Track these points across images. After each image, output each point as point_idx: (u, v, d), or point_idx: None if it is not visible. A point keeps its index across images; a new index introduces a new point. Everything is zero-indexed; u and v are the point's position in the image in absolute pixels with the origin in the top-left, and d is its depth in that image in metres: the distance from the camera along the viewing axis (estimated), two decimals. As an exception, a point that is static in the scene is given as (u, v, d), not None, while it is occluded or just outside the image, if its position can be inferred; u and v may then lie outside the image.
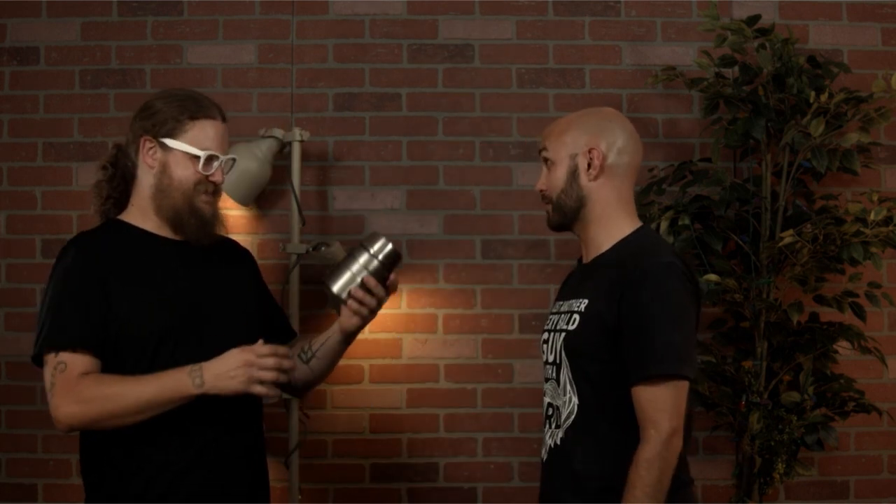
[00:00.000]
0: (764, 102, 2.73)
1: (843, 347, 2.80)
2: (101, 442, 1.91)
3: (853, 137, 2.71)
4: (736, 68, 2.82)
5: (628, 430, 1.85)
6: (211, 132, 1.99)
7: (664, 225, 2.70)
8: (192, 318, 1.96)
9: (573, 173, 1.98)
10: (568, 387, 1.92)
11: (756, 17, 2.80)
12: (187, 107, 1.98)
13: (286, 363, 1.88)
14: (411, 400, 2.98)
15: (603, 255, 1.98)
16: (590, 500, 1.88)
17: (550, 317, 2.06)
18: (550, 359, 1.99)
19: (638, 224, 2.02)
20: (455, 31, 3.07)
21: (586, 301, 1.93)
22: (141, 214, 2.01)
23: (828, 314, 2.82)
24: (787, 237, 2.59)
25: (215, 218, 2.03)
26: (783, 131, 2.72)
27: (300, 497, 2.81)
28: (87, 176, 2.98)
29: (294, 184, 2.84)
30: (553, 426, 1.96)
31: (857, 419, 2.84)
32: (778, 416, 2.67)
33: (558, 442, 1.94)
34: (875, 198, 2.61)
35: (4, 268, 2.99)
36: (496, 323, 2.98)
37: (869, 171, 2.95)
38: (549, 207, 2.03)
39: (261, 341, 1.89)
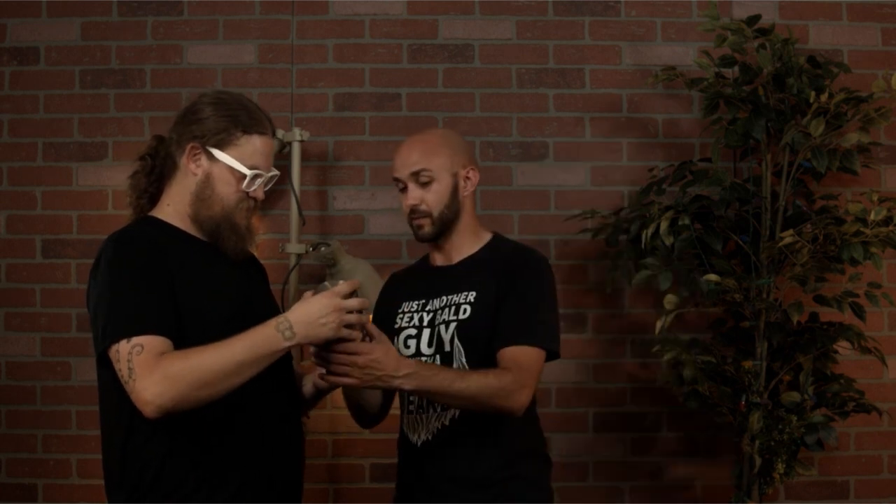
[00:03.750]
0: (764, 102, 2.73)
1: (843, 347, 2.80)
2: (161, 439, 1.84)
3: (853, 137, 2.71)
4: (736, 68, 2.82)
5: (514, 420, 2.02)
6: (260, 148, 1.95)
7: (664, 225, 2.70)
8: (247, 311, 1.94)
9: (454, 189, 2.17)
10: (462, 370, 2.06)
11: (756, 17, 2.80)
12: (241, 119, 1.94)
13: (365, 301, 1.89)
14: (411, 400, 2.98)
15: (473, 255, 2.20)
16: (472, 488, 2.04)
17: (413, 315, 2.18)
18: (429, 351, 2.11)
19: (488, 231, 2.25)
20: (455, 31, 3.07)
21: (474, 293, 2.11)
22: (177, 216, 1.97)
23: (828, 314, 2.82)
24: (787, 237, 2.59)
25: (250, 232, 2.01)
26: (783, 131, 2.72)
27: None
28: (87, 176, 3.00)
29: (294, 184, 2.84)
30: (439, 409, 2.08)
31: (857, 419, 2.84)
32: (778, 416, 2.67)
33: (445, 424, 2.07)
34: (875, 198, 2.61)
35: (4, 268, 2.99)
36: (496, 323, 2.98)
37: (869, 171, 2.95)
38: (426, 221, 2.17)
39: (327, 283, 1.89)
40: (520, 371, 1.99)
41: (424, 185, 2.15)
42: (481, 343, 2.07)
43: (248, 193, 1.96)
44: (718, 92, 2.77)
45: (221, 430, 1.87)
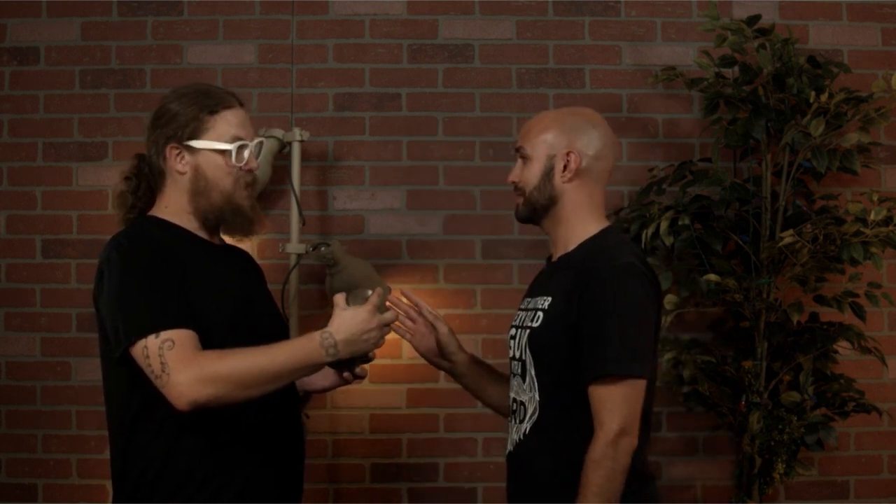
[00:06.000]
0: (764, 102, 2.73)
1: (843, 347, 2.80)
2: (165, 438, 1.84)
3: (853, 137, 2.71)
4: (736, 68, 2.82)
5: (584, 430, 1.87)
6: (234, 120, 1.95)
7: (664, 225, 2.70)
8: (250, 309, 1.96)
9: (548, 173, 2.03)
10: (532, 383, 1.96)
11: (756, 17, 2.80)
12: (203, 103, 1.94)
13: (398, 312, 1.96)
14: (411, 400, 2.98)
15: (568, 254, 2.03)
16: (545, 501, 1.91)
17: (518, 313, 2.10)
18: (517, 355, 2.02)
19: (605, 224, 2.05)
20: (455, 31, 3.07)
21: (550, 299, 1.97)
22: (176, 216, 1.97)
23: (828, 314, 2.82)
24: (787, 237, 2.59)
25: (255, 210, 2.01)
26: (783, 131, 2.72)
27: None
28: (87, 176, 3.00)
29: (294, 184, 2.84)
30: (517, 421, 2.00)
31: (857, 419, 2.84)
32: (778, 416, 2.67)
33: (521, 437, 1.98)
34: (875, 198, 2.61)
35: (4, 268, 2.99)
36: (496, 323, 2.98)
37: (869, 171, 2.95)
38: (521, 200, 2.08)
39: (369, 291, 1.91)
40: (602, 426, 1.83)
41: (525, 161, 2.07)
42: (548, 356, 1.94)
43: (241, 168, 1.96)
44: (718, 92, 2.77)
45: (227, 429, 1.87)
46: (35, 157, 3.01)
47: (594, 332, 1.86)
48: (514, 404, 2.02)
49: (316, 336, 1.83)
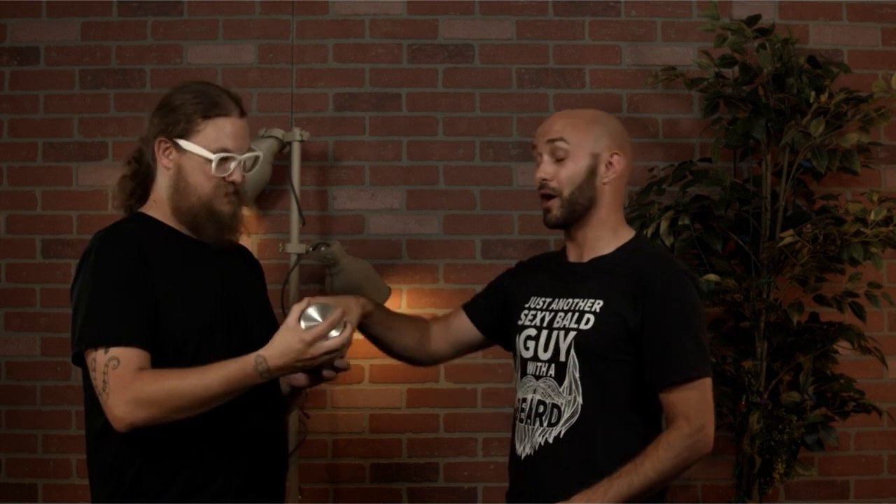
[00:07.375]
0: (764, 102, 2.73)
1: (843, 347, 2.80)
2: (135, 440, 1.83)
3: (853, 137, 2.72)
4: (736, 68, 2.82)
5: (634, 429, 1.89)
6: (226, 131, 1.92)
7: (664, 225, 2.70)
8: (227, 315, 1.94)
9: (592, 172, 1.98)
10: (573, 386, 1.92)
11: (756, 17, 2.80)
12: (200, 105, 1.91)
13: (344, 338, 1.83)
14: (411, 400, 2.98)
15: (605, 257, 2.00)
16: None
17: (537, 313, 2.04)
18: (545, 357, 1.97)
19: (631, 229, 2.07)
20: (455, 31, 3.07)
21: (601, 302, 1.93)
22: (161, 212, 1.96)
23: (828, 314, 2.82)
24: (787, 237, 2.59)
25: (234, 220, 1.97)
26: (783, 131, 2.72)
27: (300, 497, 2.81)
28: (87, 176, 3.00)
29: (294, 184, 2.84)
30: (547, 424, 1.95)
31: (857, 419, 2.84)
32: (778, 416, 2.67)
33: (551, 441, 1.93)
34: (875, 198, 2.61)
35: (4, 268, 2.99)
36: (496, 323, 2.98)
37: (869, 171, 2.95)
38: (555, 202, 1.99)
39: (312, 310, 1.83)
40: (688, 419, 1.84)
41: (559, 160, 1.97)
42: (596, 358, 1.91)
43: (224, 178, 1.92)
44: (718, 92, 2.77)
45: (203, 440, 1.86)
46: (35, 157, 3.01)
47: (671, 338, 1.88)
48: (542, 406, 1.97)
49: (251, 359, 1.79)
